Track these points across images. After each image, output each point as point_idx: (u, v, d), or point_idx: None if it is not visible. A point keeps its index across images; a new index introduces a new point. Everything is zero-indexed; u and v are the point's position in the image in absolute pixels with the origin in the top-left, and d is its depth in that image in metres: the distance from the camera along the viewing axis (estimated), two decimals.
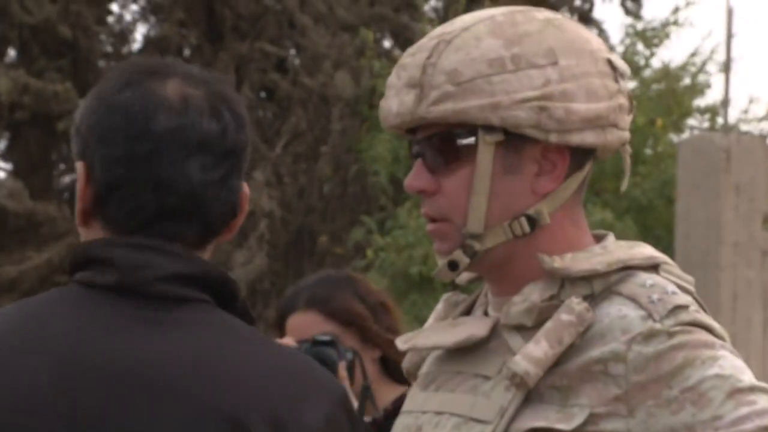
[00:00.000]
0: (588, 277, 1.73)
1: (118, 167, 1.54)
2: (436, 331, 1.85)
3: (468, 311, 1.91)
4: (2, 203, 9.17)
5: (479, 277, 1.89)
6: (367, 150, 9.45)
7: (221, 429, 1.49)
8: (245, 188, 1.61)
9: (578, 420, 1.66)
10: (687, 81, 8.54)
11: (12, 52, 10.25)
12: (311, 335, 2.74)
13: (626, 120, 1.82)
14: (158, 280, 1.52)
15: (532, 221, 1.76)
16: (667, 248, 7.25)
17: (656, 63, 8.70)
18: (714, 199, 5.55)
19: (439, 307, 1.93)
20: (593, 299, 1.73)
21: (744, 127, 8.69)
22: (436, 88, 1.74)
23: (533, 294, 1.75)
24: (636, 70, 8.55)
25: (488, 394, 1.73)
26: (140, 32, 11.39)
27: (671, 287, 1.73)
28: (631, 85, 8.18)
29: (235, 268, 10.29)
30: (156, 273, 1.52)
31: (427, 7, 10.85)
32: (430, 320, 1.93)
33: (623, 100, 1.80)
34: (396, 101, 1.78)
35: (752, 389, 1.65)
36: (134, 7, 11.22)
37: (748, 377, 1.66)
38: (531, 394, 1.70)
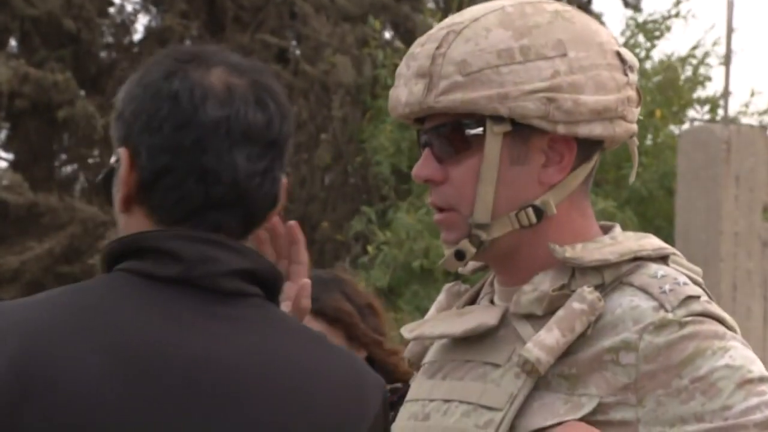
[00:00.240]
0: (599, 267, 1.75)
1: (164, 155, 1.52)
2: (442, 321, 1.86)
3: (472, 301, 1.93)
4: (2, 196, 9.16)
5: (483, 266, 1.90)
6: (369, 140, 9.45)
7: (295, 426, 1.49)
8: (284, 178, 1.61)
9: (587, 409, 1.68)
10: (688, 73, 8.55)
11: (13, 43, 10.25)
12: None
13: (634, 112, 1.84)
14: (222, 275, 1.51)
15: (539, 212, 1.77)
16: (668, 239, 7.26)
17: (657, 55, 8.72)
18: (714, 189, 5.57)
19: (441, 297, 1.95)
20: (603, 289, 1.74)
21: (744, 120, 8.70)
22: (445, 78, 1.75)
23: (544, 283, 1.76)
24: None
25: (498, 382, 1.74)
26: (141, 23, 11.40)
27: (682, 278, 1.74)
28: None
29: None
30: (220, 267, 1.51)
31: None
32: (432, 310, 1.94)
33: (631, 93, 1.82)
34: (405, 91, 1.79)
35: (762, 380, 1.66)
36: None
37: (758, 368, 1.67)
38: (539, 381, 1.71)
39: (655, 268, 1.76)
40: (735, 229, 5.59)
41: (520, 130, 1.76)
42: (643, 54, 8.68)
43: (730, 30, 6.80)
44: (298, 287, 1.76)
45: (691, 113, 8.92)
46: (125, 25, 10.81)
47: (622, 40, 9.13)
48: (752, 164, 5.65)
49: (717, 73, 14.23)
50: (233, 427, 1.47)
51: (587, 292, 1.71)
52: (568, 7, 1.84)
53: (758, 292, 5.67)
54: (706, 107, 8.89)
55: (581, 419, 1.68)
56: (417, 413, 1.81)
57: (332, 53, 9.47)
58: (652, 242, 1.80)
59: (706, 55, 8.70)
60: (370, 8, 10.06)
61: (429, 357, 1.89)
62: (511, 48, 1.75)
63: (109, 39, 10.68)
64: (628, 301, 1.72)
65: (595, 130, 1.77)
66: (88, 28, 9.97)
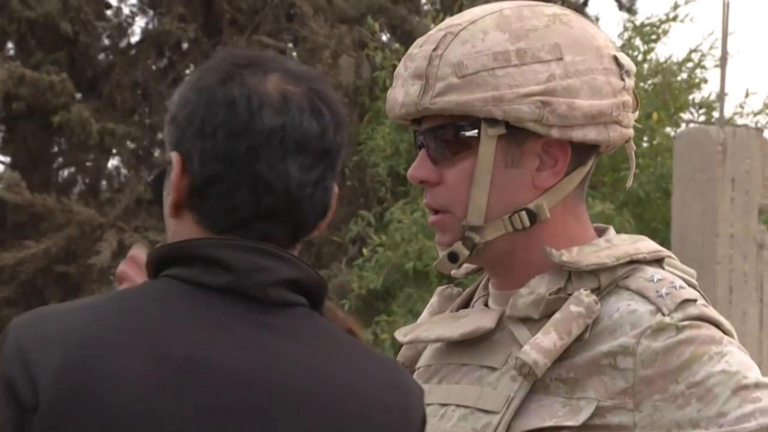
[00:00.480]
0: (595, 271, 1.75)
1: (216, 162, 1.49)
2: (437, 324, 1.85)
3: (466, 304, 1.93)
4: (0, 195, 9.17)
5: (477, 269, 1.90)
6: (366, 142, 9.47)
7: None
8: (335, 187, 1.58)
9: (586, 413, 1.68)
10: (684, 76, 8.56)
11: (9, 45, 10.25)
12: None
13: (630, 117, 1.83)
14: (270, 285, 1.48)
15: (532, 215, 1.77)
16: (664, 241, 7.26)
17: (654, 58, 8.72)
18: (710, 191, 5.58)
19: (434, 300, 1.95)
20: (599, 292, 1.74)
21: (740, 121, 8.71)
22: (441, 80, 1.75)
23: (540, 286, 1.76)
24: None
25: (494, 385, 1.74)
26: (138, 26, 11.40)
27: (678, 281, 1.74)
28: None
29: None
30: (270, 278, 1.48)
31: (425, 0, 10.86)
32: (425, 314, 1.94)
33: (628, 98, 1.81)
34: (402, 91, 1.79)
35: (758, 386, 1.66)
36: (132, 0, 11.23)
37: (754, 374, 1.67)
38: (536, 385, 1.71)
39: (651, 271, 1.76)
40: (731, 231, 5.59)
41: (514, 133, 1.76)
42: (640, 57, 8.69)
43: (725, 33, 6.81)
44: None
45: (686, 116, 8.94)
46: (122, 28, 10.81)
47: (619, 42, 9.14)
48: (748, 167, 5.66)
49: (713, 75, 14.24)
50: None
51: (584, 295, 1.71)
52: (567, 11, 1.84)
53: (754, 295, 5.67)
54: (702, 110, 8.91)
55: (581, 425, 1.68)
56: None
57: (330, 55, 9.48)
58: (647, 245, 1.80)
59: (703, 57, 8.72)
60: (368, 10, 10.08)
61: (423, 361, 1.89)
62: (507, 51, 1.75)
63: (106, 42, 10.69)
64: (625, 305, 1.72)
65: (590, 134, 1.77)
66: (85, 31, 9.97)
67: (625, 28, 9.06)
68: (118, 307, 1.47)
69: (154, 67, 10.75)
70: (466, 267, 1.89)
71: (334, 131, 1.53)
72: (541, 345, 1.69)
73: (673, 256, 1.83)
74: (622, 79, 1.80)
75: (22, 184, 9.25)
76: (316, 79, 1.55)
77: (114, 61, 10.52)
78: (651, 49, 8.69)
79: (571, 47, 1.77)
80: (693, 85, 8.77)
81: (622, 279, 1.75)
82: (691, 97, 8.81)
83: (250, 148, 1.49)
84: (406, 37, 10.26)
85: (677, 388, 1.66)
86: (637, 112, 1.88)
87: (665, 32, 8.68)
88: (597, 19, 11.58)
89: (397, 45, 9.71)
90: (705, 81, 8.82)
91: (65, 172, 10.95)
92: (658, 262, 1.80)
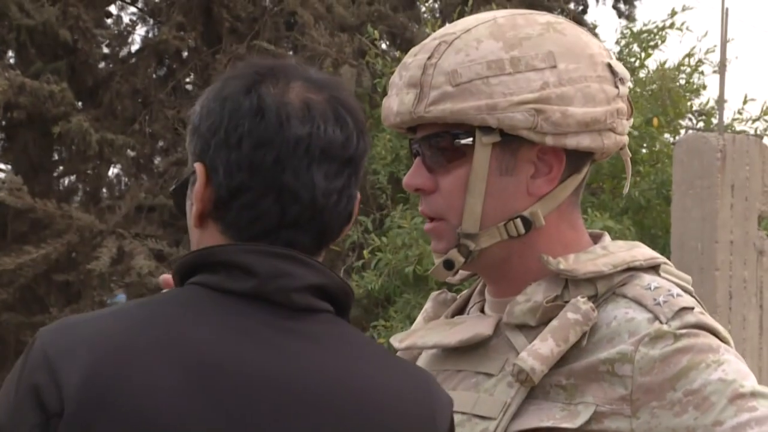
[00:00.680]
0: (592, 279, 1.75)
1: (242, 173, 1.49)
2: (433, 331, 1.86)
3: (461, 310, 1.93)
4: (1, 196, 9.17)
5: (472, 274, 1.91)
6: None
7: None
8: (358, 194, 1.58)
9: (583, 417, 1.69)
10: (681, 81, 8.57)
11: (9, 53, 10.26)
12: None
13: (624, 125, 1.83)
14: (295, 290, 1.48)
15: (527, 222, 1.77)
16: (664, 248, 7.26)
17: (652, 64, 8.73)
18: (709, 198, 5.57)
19: (428, 305, 1.96)
20: (596, 300, 1.75)
21: (738, 127, 8.72)
22: (435, 89, 1.76)
23: (537, 294, 1.76)
24: (632, 71, 8.57)
25: (491, 391, 1.75)
26: (138, 34, 11.41)
27: (676, 289, 1.75)
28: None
29: None
30: (294, 283, 1.48)
31: (424, 8, 10.87)
32: (419, 319, 1.95)
33: (622, 105, 1.81)
34: (396, 100, 1.80)
35: (753, 394, 1.67)
36: (132, 9, 11.23)
37: (750, 382, 1.68)
38: (536, 391, 1.72)
39: (648, 279, 1.76)
40: (730, 238, 5.59)
41: (509, 141, 1.76)
42: (638, 63, 8.70)
43: (724, 39, 6.81)
44: None
45: (685, 122, 8.94)
46: (122, 37, 10.82)
47: (616, 49, 9.15)
48: (747, 173, 5.65)
49: (711, 81, 14.25)
50: None
51: (581, 303, 1.72)
52: (561, 19, 1.84)
53: (754, 301, 5.67)
54: (701, 116, 8.92)
55: (578, 428, 1.69)
56: None
57: (331, 64, 9.49)
58: (643, 252, 1.81)
59: (700, 62, 8.72)
60: (368, 18, 10.08)
61: None
62: (501, 59, 1.75)
63: (106, 50, 10.70)
64: (622, 313, 1.72)
65: (584, 141, 1.78)
66: (84, 39, 9.98)
67: (623, 35, 9.06)
68: (144, 313, 1.47)
69: (154, 76, 10.76)
70: (462, 273, 1.89)
71: (357, 139, 1.54)
72: (538, 352, 1.70)
73: (668, 262, 1.83)
74: (616, 87, 1.81)
75: (24, 188, 9.25)
76: (336, 87, 1.56)
77: (114, 70, 10.52)
78: (649, 55, 8.69)
79: (565, 55, 1.77)
80: (692, 91, 8.77)
81: (619, 286, 1.76)
82: (689, 103, 8.81)
83: (276, 158, 1.49)
84: (406, 45, 10.26)
85: (674, 395, 1.66)
86: (631, 120, 1.89)
87: (663, 39, 8.68)
88: (595, 26, 11.59)
89: (397, 53, 9.72)
90: (704, 87, 8.82)
91: (66, 180, 10.95)
92: (654, 268, 1.80)
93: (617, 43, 9.22)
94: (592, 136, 1.78)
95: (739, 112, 8.72)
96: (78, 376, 1.40)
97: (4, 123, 10.35)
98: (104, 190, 10.86)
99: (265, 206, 1.49)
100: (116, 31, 10.92)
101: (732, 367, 1.68)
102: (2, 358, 9.82)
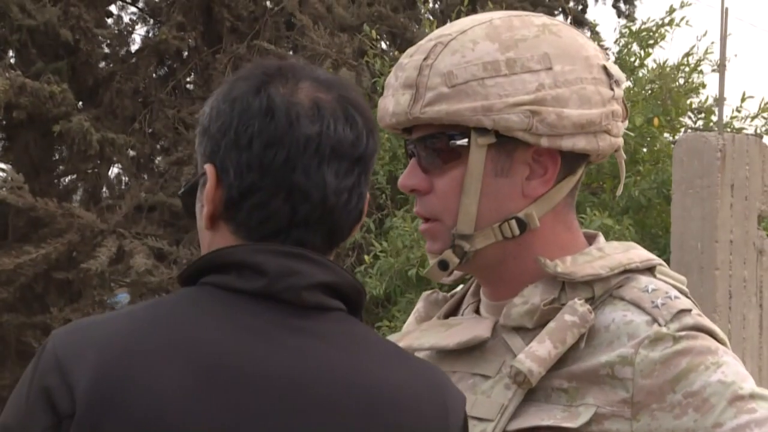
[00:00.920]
0: (590, 281, 1.76)
1: (252, 173, 1.49)
2: (427, 332, 1.86)
3: (454, 310, 1.94)
4: (2, 195, 9.17)
5: (467, 274, 1.90)
6: None
7: None
8: (367, 193, 1.58)
9: (584, 418, 1.69)
10: (681, 81, 8.56)
11: (10, 54, 10.26)
12: None
13: (619, 127, 1.83)
14: (305, 289, 1.48)
15: (522, 224, 1.77)
16: (665, 248, 7.25)
17: (651, 63, 8.72)
18: (709, 197, 5.57)
19: (420, 306, 1.96)
20: (593, 302, 1.75)
21: (737, 125, 8.71)
22: (431, 90, 1.76)
23: (534, 296, 1.77)
24: (631, 70, 8.56)
25: (488, 393, 1.75)
26: (139, 34, 11.41)
27: (673, 291, 1.75)
28: (627, 84, 8.17)
29: None
30: (304, 281, 1.48)
31: (423, 9, 10.87)
32: (411, 319, 1.96)
33: (617, 107, 1.81)
34: (392, 101, 1.80)
35: (753, 396, 1.67)
36: (133, 9, 11.23)
37: (749, 384, 1.69)
38: (536, 393, 1.72)
39: (644, 281, 1.77)
40: (730, 237, 5.59)
41: (504, 143, 1.76)
42: (637, 62, 8.69)
43: (724, 38, 6.80)
44: None
45: (685, 120, 8.93)
46: (123, 36, 10.83)
47: (616, 48, 9.15)
48: (747, 173, 5.65)
49: (711, 80, 14.23)
50: None
51: (578, 305, 1.72)
52: (557, 21, 1.84)
53: (754, 301, 5.66)
54: (701, 115, 8.91)
55: (578, 428, 1.69)
56: None
57: (331, 64, 9.49)
58: (639, 253, 1.81)
59: (699, 61, 8.71)
60: (368, 18, 10.08)
61: None
62: (496, 61, 1.75)
63: (106, 50, 10.70)
64: (620, 316, 1.73)
65: (579, 143, 1.78)
66: (85, 39, 9.98)
67: (622, 34, 9.05)
68: (154, 314, 1.47)
69: (154, 75, 10.77)
70: (456, 273, 1.89)
71: (366, 137, 1.54)
72: (535, 354, 1.70)
73: (663, 263, 1.84)
74: (612, 89, 1.81)
75: (25, 187, 9.25)
76: (345, 86, 1.56)
77: (114, 69, 10.52)
78: (648, 54, 8.68)
79: (561, 57, 1.77)
80: (692, 89, 8.76)
81: (616, 288, 1.76)
82: (689, 101, 8.80)
83: (286, 158, 1.49)
84: (406, 45, 10.25)
85: (674, 397, 1.67)
86: (626, 122, 1.89)
87: (662, 36, 8.67)
88: (595, 25, 11.59)
89: (396, 53, 9.72)
90: (703, 86, 8.81)
91: (66, 180, 10.95)
92: (649, 270, 1.80)
93: (616, 42, 9.22)
94: (588, 137, 1.78)
95: (738, 110, 8.72)
96: (88, 378, 1.41)
97: (4, 123, 10.35)
98: (105, 189, 10.86)
99: (275, 206, 1.50)
100: (116, 31, 10.93)
101: (731, 369, 1.69)
102: (3, 358, 9.82)
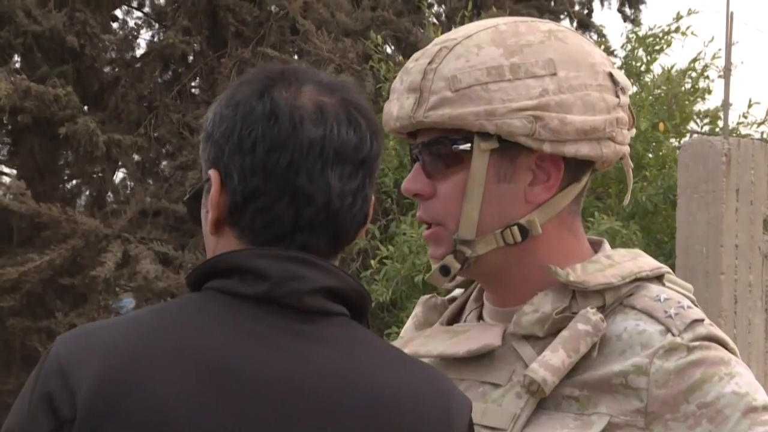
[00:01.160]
0: (601, 290, 1.75)
1: (256, 177, 1.49)
2: (432, 339, 1.85)
3: (455, 316, 1.92)
4: (5, 202, 9.17)
5: (468, 279, 1.90)
6: None
7: None
8: (372, 196, 1.58)
9: (598, 427, 1.68)
10: (687, 86, 8.56)
11: (16, 58, 10.27)
12: None
13: (625, 134, 1.82)
14: (307, 293, 1.48)
15: (524, 231, 1.76)
16: (670, 252, 7.24)
17: (657, 68, 8.72)
18: (714, 202, 5.56)
19: (418, 311, 1.95)
20: (604, 310, 1.74)
21: (743, 131, 8.70)
22: (435, 94, 1.75)
23: (545, 305, 1.75)
24: (637, 76, 8.56)
25: (499, 402, 1.74)
26: (144, 39, 11.41)
27: (685, 301, 1.75)
28: (633, 89, 8.17)
29: None
30: (306, 286, 1.48)
31: (427, 12, 10.86)
32: (409, 324, 1.95)
33: (622, 114, 1.80)
34: (397, 105, 1.80)
35: (765, 408, 1.67)
36: (138, 14, 11.24)
37: (762, 396, 1.69)
38: (547, 402, 1.71)
39: (655, 290, 1.76)
40: (735, 242, 5.58)
41: (507, 148, 1.76)
42: (643, 68, 8.68)
43: (729, 43, 6.80)
44: None
45: (691, 125, 8.93)
46: (128, 41, 10.83)
47: (622, 53, 9.14)
48: (752, 177, 5.64)
49: (717, 85, 14.22)
50: None
51: (591, 314, 1.71)
52: (563, 27, 1.84)
53: (759, 305, 5.66)
54: (706, 120, 8.91)
55: None
56: None
57: (334, 69, 9.49)
58: (648, 262, 1.80)
59: (706, 67, 8.71)
60: (372, 23, 10.08)
61: None
62: (501, 65, 1.75)
63: (112, 54, 10.70)
64: (633, 325, 1.72)
65: (582, 149, 1.77)
66: (91, 44, 9.99)
67: (628, 39, 9.05)
68: (157, 320, 1.48)
69: (159, 80, 10.77)
70: (459, 278, 1.89)
71: (370, 140, 1.54)
72: (549, 363, 1.69)
73: (671, 271, 1.83)
74: (617, 96, 1.80)
75: (27, 193, 9.26)
76: (348, 89, 1.56)
77: (120, 74, 10.53)
78: (654, 59, 8.68)
79: (566, 63, 1.76)
80: (697, 95, 8.75)
81: (626, 297, 1.76)
82: (696, 107, 8.80)
83: (290, 161, 1.49)
84: (410, 50, 10.25)
85: (688, 408, 1.66)
86: (633, 130, 1.88)
87: (668, 43, 8.67)
88: (602, 28, 11.58)
89: (401, 57, 9.72)
90: (709, 91, 8.81)
91: (71, 184, 10.96)
92: (658, 278, 1.80)
93: (623, 47, 9.22)
94: (591, 144, 1.77)
95: (744, 116, 8.71)
96: (90, 383, 1.41)
97: (10, 127, 10.36)
98: (110, 194, 10.87)
99: (279, 210, 1.50)
100: (122, 36, 10.93)
101: (744, 380, 1.69)
102: (8, 363, 9.82)
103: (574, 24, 11.40)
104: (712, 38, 8.69)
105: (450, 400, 1.53)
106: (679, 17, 8.73)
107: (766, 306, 5.62)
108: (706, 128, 9.03)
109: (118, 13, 11.15)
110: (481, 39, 1.77)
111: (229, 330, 1.46)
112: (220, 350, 1.44)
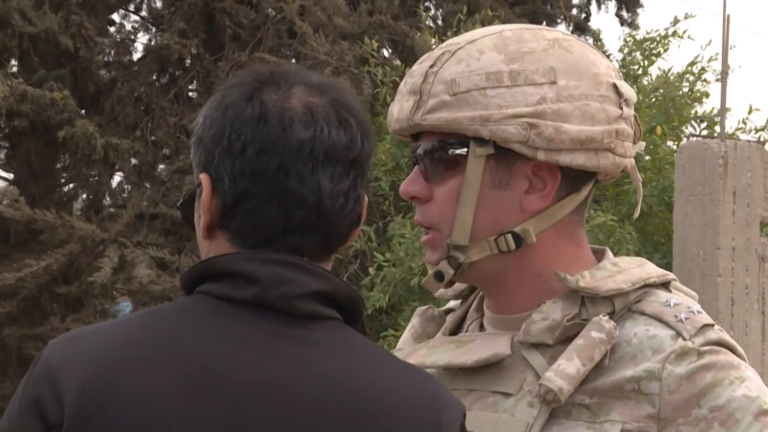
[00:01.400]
0: (611, 296, 1.74)
1: (245, 180, 1.49)
2: (436, 349, 1.83)
3: (457, 326, 1.91)
4: (0, 209, 9.16)
5: (469, 290, 1.89)
6: None
7: None
8: (365, 197, 1.58)
9: None
10: (685, 89, 8.57)
11: (12, 62, 10.26)
12: None
13: (626, 146, 1.80)
14: (297, 297, 1.47)
15: (519, 239, 1.75)
16: (666, 255, 7.24)
17: (655, 72, 8.73)
18: (711, 204, 5.57)
19: (415, 322, 1.93)
20: (613, 317, 1.73)
21: (743, 137, 8.71)
22: (433, 97, 1.75)
23: (554, 312, 1.74)
24: (634, 79, 8.57)
25: (511, 411, 1.73)
26: (141, 42, 11.42)
27: (695, 305, 1.75)
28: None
29: None
30: (296, 290, 1.47)
31: (424, 15, 10.87)
32: (407, 335, 1.93)
33: (624, 126, 1.78)
34: (398, 106, 1.79)
35: None
36: (135, 17, 11.23)
37: None
38: (557, 410, 1.70)
39: (664, 296, 1.76)
40: (732, 244, 5.58)
41: (504, 155, 1.75)
42: (640, 71, 8.70)
43: (726, 47, 6.81)
44: None
45: (688, 129, 8.94)
46: (124, 44, 10.82)
47: (619, 56, 9.15)
48: (749, 180, 5.65)
49: (715, 89, 14.25)
50: None
51: (604, 321, 1.71)
52: (570, 37, 1.82)
53: (756, 308, 5.66)
54: (704, 123, 8.91)
55: None
56: None
57: (332, 72, 9.49)
58: (655, 269, 1.80)
59: (702, 71, 8.72)
60: (369, 26, 10.09)
61: None
62: (500, 71, 1.74)
63: (108, 57, 10.70)
64: (643, 330, 1.72)
65: (578, 159, 1.75)
66: (87, 47, 9.98)
67: (626, 43, 9.06)
68: (147, 323, 1.47)
69: (156, 83, 10.77)
70: (459, 286, 1.88)
71: (361, 140, 1.54)
72: (564, 371, 1.68)
73: (676, 278, 1.83)
74: (620, 108, 1.78)
75: (21, 199, 9.25)
76: (338, 89, 1.56)
77: (116, 77, 10.53)
78: (652, 62, 8.69)
79: (567, 72, 1.75)
80: (695, 98, 8.77)
81: (635, 303, 1.75)
82: (693, 111, 8.81)
83: (279, 163, 1.49)
84: (407, 53, 10.26)
85: (700, 412, 1.66)
86: (641, 144, 1.86)
87: (665, 47, 8.68)
88: (600, 31, 11.59)
89: (397, 61, 9.72)
90: (707, 95, 8.82)
91: (67, 188, 10.95)
92: (665, 285, 1.80)
93: (620, 51, 9.23)
94: (588, 154, 1.75)
95: (744, 122, 8.72)
96: (77, 386, 1.41)
97: (6, 131, 10.35)
98: (107, 197, 10.85)
99: (269, 212, 1.49)
100: (118, 39, 10.92)
101: (754, 383, 1.69)
102: (4, 369, 9.81)
103: (570, 28, 11.42)
104: (710, 41, 8.67)
105: (440, 404, 1.53)
106: (676, 21, 8.74)
107: (763, 308, 5.62)
108: (704, 132, 9.04)
109: (115, 16, 11.14)
110: (484, 44, 1.77)
111: (219, 334, 1.45)
112: (209, 354, 1.44)
